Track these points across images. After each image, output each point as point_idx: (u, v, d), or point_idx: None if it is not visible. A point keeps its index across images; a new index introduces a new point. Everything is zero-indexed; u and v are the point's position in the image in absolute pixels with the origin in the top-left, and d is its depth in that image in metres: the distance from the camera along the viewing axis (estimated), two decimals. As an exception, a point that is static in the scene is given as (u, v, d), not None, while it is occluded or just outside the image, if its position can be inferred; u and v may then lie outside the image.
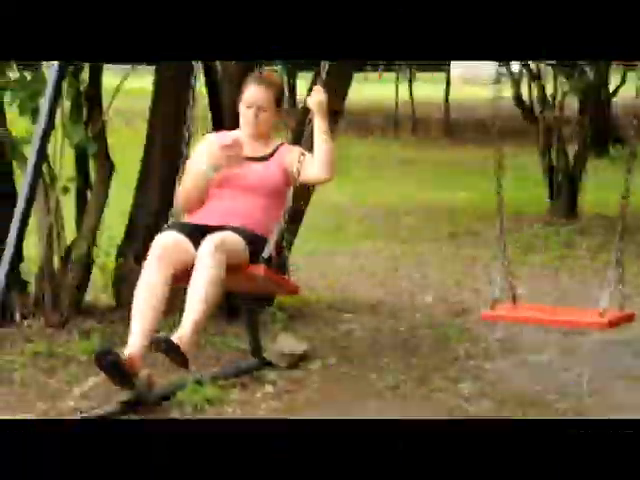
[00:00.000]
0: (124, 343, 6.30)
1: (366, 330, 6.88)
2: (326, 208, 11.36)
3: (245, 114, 4.76)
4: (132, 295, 6.82)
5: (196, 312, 4.39)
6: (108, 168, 6.74)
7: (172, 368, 5.97)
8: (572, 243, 9.79)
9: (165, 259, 4.47)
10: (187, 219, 4.79)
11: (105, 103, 6.72)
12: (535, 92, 11.51)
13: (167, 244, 4.51)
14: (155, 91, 7.12)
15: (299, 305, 7.32)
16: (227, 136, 4.81)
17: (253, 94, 4.72)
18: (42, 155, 4.77)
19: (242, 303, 6.30)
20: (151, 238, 7.01)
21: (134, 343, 4.45)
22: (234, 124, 6.90)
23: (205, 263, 4.38)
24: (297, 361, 6.07)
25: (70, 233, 6.82)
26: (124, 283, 6.95)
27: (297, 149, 4.78)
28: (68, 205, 6.90)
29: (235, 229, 4.58)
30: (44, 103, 4.75)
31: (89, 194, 6.81)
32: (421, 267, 8.83)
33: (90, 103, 6.62)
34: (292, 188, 4.68)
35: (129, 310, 6.82)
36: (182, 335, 4.36)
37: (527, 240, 9.88)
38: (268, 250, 4.54)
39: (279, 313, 6.99)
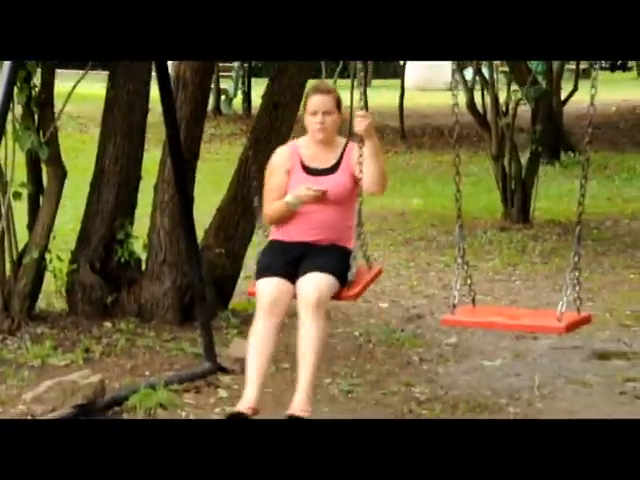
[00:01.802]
0: (75, 349, 6.33)
1: (320, 335, 6.88)
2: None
3: (312, 121, 5.09)
4: (85, 301, 6.87)
5: (311, 374, 4.93)
6: (60, 173, 6.71)
7: (124, 373, 6.01)
8: (525, 248, 9.88)
9: (271, 313, 4.98)
10: (274, 232, 5.21)
11: (57, 108, 6.69)
12: (488, 99, 11.60)
13: (272, 299, 4.98)
14: (108, 97, 7.10)
15: (253, 310, 7.31)
16: (309, 172, 5.14)
17: (317, 101, 5.07)
18: (-7, 160, 4.73)
19: (197, 309, 6.31)
20: (105, 245, 7.05)
21: (251, 397, 4.92)
22: (188, 130, 6.96)
23: (310, 325, 4.87)
24: (251, 366, 6.07)
25: (22, 238, 6.78)
26: (77, 289, 6.92)
27: (358, 151, 5.03)
28: (20, 210, 6.87)
29: (322, 256, 4.98)
30: (-6, 107, 4.71)
31: (41, 199, 6.78)
32: (375, 273, 8.86)
33: (42, 108, 6.59)
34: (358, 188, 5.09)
35: (81, 316, 6.86)
36: (303, 401, 4.88)
37: (481, 245, 9.95)
38: (351, 274, 4.98)
39: (233, 319, 6.99)
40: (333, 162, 5.15)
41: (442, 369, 6.26)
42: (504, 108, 11.37)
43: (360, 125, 4.96)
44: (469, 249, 9.17)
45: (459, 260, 4.70)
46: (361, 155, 4.99)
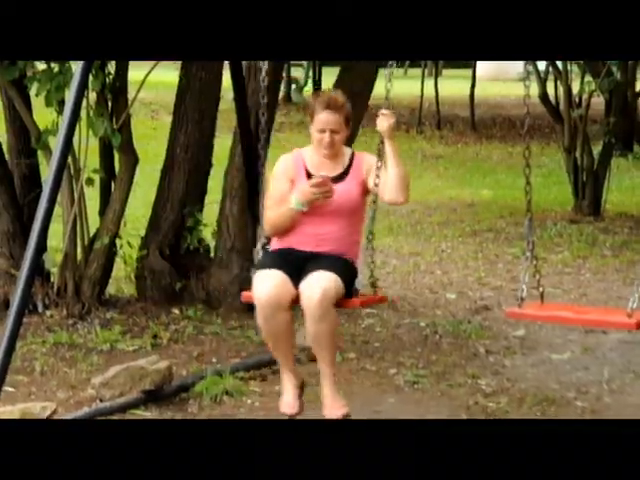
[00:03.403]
0: (143, 335, 6.40)
1: (386, 326, 6.89)
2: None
3: (319, 138, 4.84)
4: (154, 287, 6.94)
5: (331, 373, 4.81)
6: (132, 160, 6.77)
7: (191, 359, 6.06)
8: (595, 241, 9.76)
9: (272, 316, 4.66)
10: (276, 242, 4.91)
11: (130, 95, 6.76)
12: (561, 91, 11.47)
13: (270, 300, 4.63)
14: (180, 85, 7.15)
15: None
16: (311, 167, 4.88)
17: (325, 119, 4.80)
18: (67, 146, 4.78)
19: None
20: (174, 232, 7.13)
21: (289, 399, 4.89)
22: (258, 118, 6.97)
23: (317, 319, 4.61)
24: (317, 355, 6.08)
25: (94, 224, 6.87)
26: (146, 275, 6.99)
27: (372, 160, 4.81)
28: (92, 196, 6.95)
29: (328, 260, 4.71)
30: (70, 95, 4.77)
31: (113, 186, 6.85)
32: (443, 264, 8.84)
33: (115, 95, 6.65)
34: (369, 199, 4.86)
35: (150, 302, 6.93)
36: (335, 401, 4.82)
37: (551, 238, 9.86)
38: (359, 282, 4.76)
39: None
40: (340, 170, 4.86)
41: (509, 362, 6.22)
42: (577, 99, 11.24)
43: (382, 124, 4.72)
44: (538, 241, 9.16)
45: (527, 254, 4.66)
46: (379, 165, 4.71)
